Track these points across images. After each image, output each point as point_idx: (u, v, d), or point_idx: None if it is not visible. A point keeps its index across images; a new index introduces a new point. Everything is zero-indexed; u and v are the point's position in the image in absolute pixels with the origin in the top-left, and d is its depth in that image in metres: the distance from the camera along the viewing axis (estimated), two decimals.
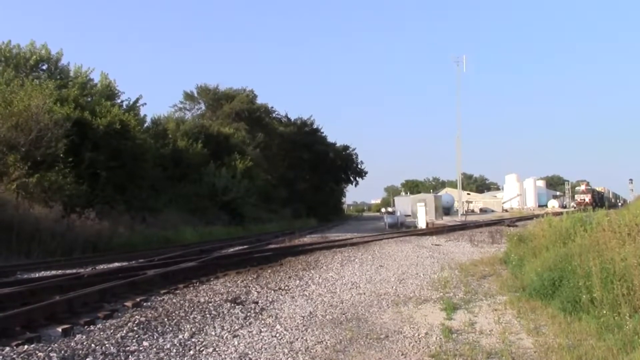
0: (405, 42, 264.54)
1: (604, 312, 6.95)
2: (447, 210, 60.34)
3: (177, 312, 8.57)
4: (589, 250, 8.58)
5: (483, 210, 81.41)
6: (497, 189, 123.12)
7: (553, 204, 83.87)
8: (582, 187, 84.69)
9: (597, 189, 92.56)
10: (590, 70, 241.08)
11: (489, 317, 8.10)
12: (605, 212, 13.59)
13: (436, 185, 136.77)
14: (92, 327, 7.48)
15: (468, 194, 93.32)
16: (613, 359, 5.62)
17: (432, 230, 30.67)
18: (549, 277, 8.96)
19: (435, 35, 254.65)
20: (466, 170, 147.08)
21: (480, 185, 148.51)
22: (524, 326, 7.36)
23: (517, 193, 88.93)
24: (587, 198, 76.82)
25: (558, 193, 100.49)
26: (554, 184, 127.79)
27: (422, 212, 37.83)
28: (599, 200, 79.25)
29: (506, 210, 79.00)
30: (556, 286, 8.62)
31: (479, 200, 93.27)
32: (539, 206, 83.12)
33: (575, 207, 70.12)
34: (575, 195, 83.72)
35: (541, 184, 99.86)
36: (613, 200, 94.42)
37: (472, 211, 76.06)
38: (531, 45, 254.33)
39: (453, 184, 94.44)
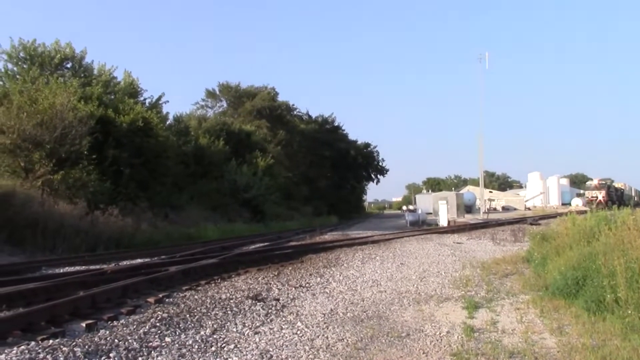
0: (428, 39, 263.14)
1: (629, 312, 6.85)
2: (469, 209, 59.79)
3: (198, 309, 8.62)
4: (613, 249, 8.46)
5: (505, 209, 79.93)
6: (520, 187, 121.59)
7: (577, 203, 74.74)
8: (595, 182, 74.37)
9: (616, 184, 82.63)
10: (614, 65, 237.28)
11: (512, 316, 8.03)
12: (630, 211, 13.40)
13: (458, 183, 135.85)
14: (115, 323, 7.55)
15: (490, 192, 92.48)
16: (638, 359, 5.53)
17: (454, 228, 30.52)
18: (572, 276, 8.85)
19: (458, 32, 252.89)
20: (488, 168, 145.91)
21: (503, 184, 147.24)
22: (547, 325, 7.28)
23: (540, 191, 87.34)
24: (601, 195, 67.59)
25: (582, 191, 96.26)
26: (578, 182, 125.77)
27: (443, 210, 37.59)
28: (619, 198, 71.17)
29: (529, 209, 76.44)
30: (580, 285, 8.51)
31: (501, 199, 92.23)
32: (562, 204, 78.02)
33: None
34: (586, 192, 73.28)
35: (565, 182, 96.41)
36: (637, 199, 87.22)
37: (494, 209, 74.91)
38: (555, 41, 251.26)
39: (475, 182, 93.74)
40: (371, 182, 79.91)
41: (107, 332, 7.01)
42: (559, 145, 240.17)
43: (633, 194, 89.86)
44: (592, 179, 79.55)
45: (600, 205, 53.17)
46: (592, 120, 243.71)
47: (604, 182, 73.44)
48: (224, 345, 6.64)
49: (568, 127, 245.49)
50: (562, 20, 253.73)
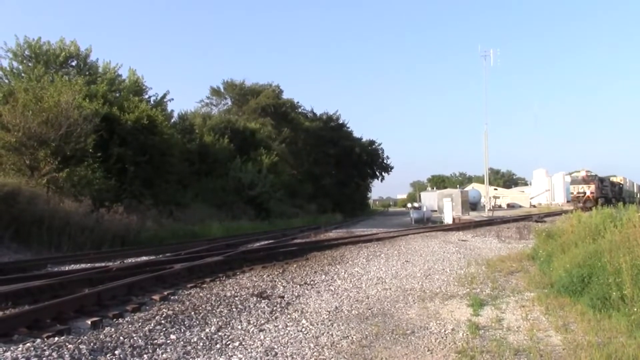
0: (433, 36, 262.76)
1: (635, 309, 6.82)
2: (474, 206, 59.57)
3: (203, 306, 8.63)
4: (619, 246, 8.43)
5: (510, 206, 79.51)
6: (525, 184, 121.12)
7: None
8: (582, 174, 58.86)
9: (615, 178, 70.08)
10: (621, 59, 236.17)
11: (517, 314, 8.02)
12: (636, 208, 13.34)
13: (463, 180, 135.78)
14: (120, 320, 7.58)
15: (495, 189, 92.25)
16: None
17: (459, 226, 30.43)
18: (577, 273, 8.82)
19: (463, 28, 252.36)
20: (493, 166, 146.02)
21: (508, 181, 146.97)
22: (552, 323, 7.27)
23: (545, 188, 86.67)
24: (589, 191, 54.56)
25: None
26: None
27: (448, 207, 37.54)
28: (616, 194, 62.43)
29: (534, 206, 75.14)
30: (585, 283, 8.49)
31: (506, 196, 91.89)
32: (568, 202, 75.64)
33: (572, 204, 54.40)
34: (571, 186, 59.53)
35: (570, 179, 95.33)
36: (639, 195, 76.29)
37: (499, 207, 74.24)
38: (560, 37, 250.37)
39: (480, 179, 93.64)
40: (376, 180, 79.80)
41: (113, 329, 7.03)
42: (564, 142, 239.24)
43: (635, 190, 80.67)
44: (579, 171, 61.22)
45: (589, 203, 46.15)
46: (598, 116, 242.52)
47: (593, 174, 58.32)
48: (229, 342, 6.65)
49: (574, 123, 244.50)
50: (568, 16, 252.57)
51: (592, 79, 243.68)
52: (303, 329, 7.30)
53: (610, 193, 59.93)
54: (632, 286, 7.12)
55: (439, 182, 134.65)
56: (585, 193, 54.30)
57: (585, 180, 56.18)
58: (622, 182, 72.41)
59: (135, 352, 6.10)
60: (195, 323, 7.56)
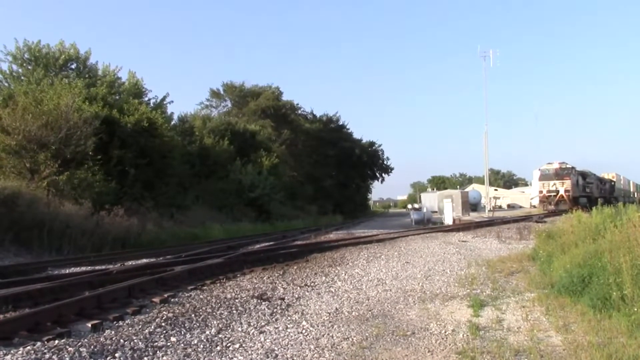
0: (432, 36, 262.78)
1: (635, 309, 6.82)
2: (474, 207, 59.48)
3: (204, 308, 8.63)
4: (619, 246, 8.43)
5: (511, 206, 79.39)
6: (525, 184, 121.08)
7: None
8: (555, 166, 44.93)
9: (605, 175, 59.92)
10: (622, 59, 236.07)
11: (517, 314, 8.01)
12: (636, 208, 13.35)
13: (463, 181, 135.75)
14: (120, 323, 7.58)
15: (495, 189, 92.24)
16: None
17: (459, 227, 30.38)
18: (578, 273, 8.82)
19: (463, 29, 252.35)
20: (493, 166, 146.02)
21: (508, 181, 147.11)
22: (553, 323, 7.26)
23: None
24: (564, 188, 42.87)
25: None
26: None
27: (448, 208, 37.51)
28: (606, 193, 54.45)
29: (534, 206, 75.43)
30: (585, 283, 8.49)
31: (506, 196, 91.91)
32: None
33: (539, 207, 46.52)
34: (540, 183, 46.22)
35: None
36: (636, 195, 69.18)
37: (500, 207, 74.08)
38: (560, 36, 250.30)
39: (480, 180, 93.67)
40: (376, 181, 79.92)
41: (113, 332, 7.03)
42: (565, 141, 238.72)
43: (632, 189, 72.24)
44: (551, 163, 46.69)
45: (562, 205, 39.44)
46: (599, 115, 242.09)
47: (569, 167, 44.95)
48: (229, 344, 6.65)
49: (575, 123, 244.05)
50: (567, 16, 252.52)
51: (592, 78, 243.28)
52: (303, 331, 7.30)
53: (596, 192, 50.38)
54: (633, 286, 7.12)
55: (439, 183, 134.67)
56: (557, 192, 43.36)
57: (558, 175, 43.98)
58: (614, 179, 62.27)
59: (135, 355, 6.10)
60: (195, 325, 7.56)
